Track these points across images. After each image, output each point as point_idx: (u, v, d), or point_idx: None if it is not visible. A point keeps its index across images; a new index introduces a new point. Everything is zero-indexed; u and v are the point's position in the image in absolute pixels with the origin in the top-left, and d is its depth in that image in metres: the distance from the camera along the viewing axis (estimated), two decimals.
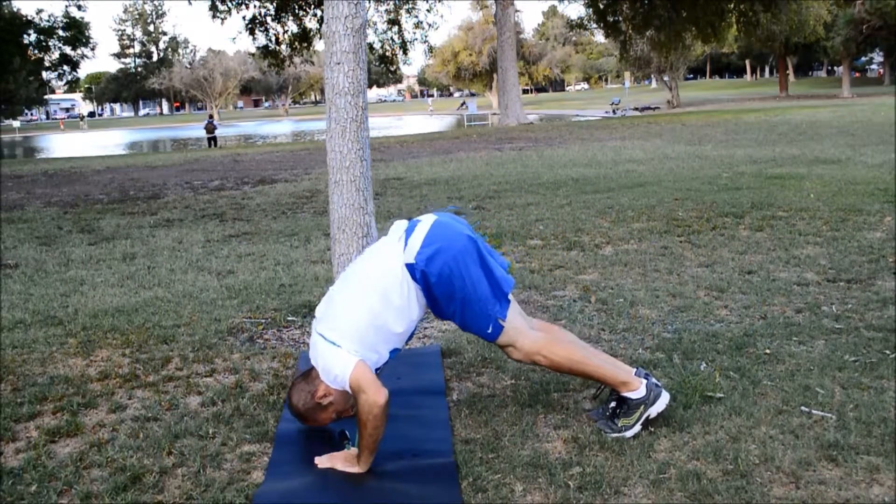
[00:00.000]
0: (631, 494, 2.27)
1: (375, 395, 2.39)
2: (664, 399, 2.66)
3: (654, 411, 2.64)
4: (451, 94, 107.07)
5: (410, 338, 2.75)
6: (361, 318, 2.53)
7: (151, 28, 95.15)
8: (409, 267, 2.57)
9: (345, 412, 2.61)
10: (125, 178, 13.82)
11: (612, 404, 2.69)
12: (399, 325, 2.60)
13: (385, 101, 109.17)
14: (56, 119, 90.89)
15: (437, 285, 2.57)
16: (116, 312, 4.43)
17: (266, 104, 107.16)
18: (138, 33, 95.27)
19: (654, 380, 2.71)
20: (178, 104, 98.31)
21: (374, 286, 2.57)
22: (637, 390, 2.65)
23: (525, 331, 2.69)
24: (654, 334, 3.64)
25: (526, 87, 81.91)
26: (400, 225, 2.72)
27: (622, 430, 2.62)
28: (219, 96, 74.16)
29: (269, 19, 24.75)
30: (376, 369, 2.57)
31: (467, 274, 2.58)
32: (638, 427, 2.62)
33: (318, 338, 2.56)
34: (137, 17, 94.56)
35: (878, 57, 64.83)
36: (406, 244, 2.60)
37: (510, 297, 2.70)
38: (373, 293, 2.56)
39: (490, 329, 2.65)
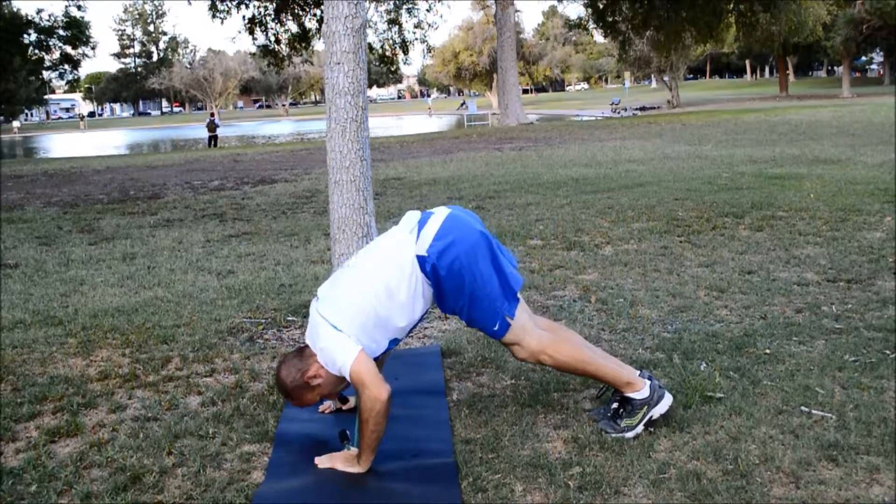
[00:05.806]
0: (631, 494, 2.27)
1: (378, 391, 2.38)
2: (667, 400, 2.66)
3: (657, 412, 2.64)
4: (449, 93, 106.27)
5: (412, 331, 2.73)
6: (366, 306, 2.50)
7: (151, 28, 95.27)
8: (420, 259, 2.55)
9: (329, 396, 2.63)
10: (125, 178, 13.82)
11: (615, 405, 2.69)
12: (403, 317, 2.58)
13: (375, 101, 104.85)
14: (55, 119, 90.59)
15: (446, 279, 2.54)
16: (116, 312, 4.43)
17: (257, 104, 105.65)
18: (138, 33, 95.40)
19: (657, 381, 2.71)
20: (178, 104, 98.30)
21: (381, 275, 2.54)
22: (641, 391, 2.65)
23: (531, 330, 2.67)
24: (654, 334, 3.64)
25: (526, 87, 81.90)
26: (413, 216, 2.68)
27: (625, 431, 2.62)
28: (219, 96, 74.20)
29: (268, 19, 24.79)
30: (375, 358, 2.55)
31: (478, 269, 2.56)
32: (640, 428, 2.62)
33: (320, 319, 2.51)
34: (137, 17, 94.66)
35: (878, 57, 64.86)
36: (418, 236, 2.58)
37: (518, 295, 2.69)
38: (380, 282, 2.53)
39: (497, 326, 2.63)
